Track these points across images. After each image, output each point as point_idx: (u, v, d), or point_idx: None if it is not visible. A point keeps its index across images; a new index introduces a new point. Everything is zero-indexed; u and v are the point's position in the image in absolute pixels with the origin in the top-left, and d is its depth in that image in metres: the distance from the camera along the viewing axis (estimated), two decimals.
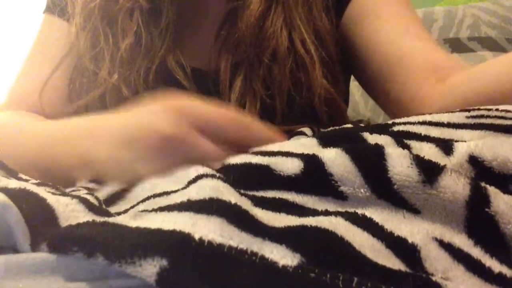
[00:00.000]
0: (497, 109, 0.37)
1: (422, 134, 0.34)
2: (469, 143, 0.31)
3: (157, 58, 0.62)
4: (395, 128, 0.35)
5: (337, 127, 0.44)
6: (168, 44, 0.62)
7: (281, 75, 0.60)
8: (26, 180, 0.36)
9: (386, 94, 0.65)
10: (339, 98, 0.63)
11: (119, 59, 0.61)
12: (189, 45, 0.66)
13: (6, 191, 0.28)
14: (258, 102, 0.60)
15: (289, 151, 0.33)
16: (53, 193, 0.30)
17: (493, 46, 1.07)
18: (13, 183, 0.30)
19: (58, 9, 0.69)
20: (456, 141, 0.32)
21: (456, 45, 1.09)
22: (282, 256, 0.23)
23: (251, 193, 0.30)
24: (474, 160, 0.30)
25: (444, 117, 0.36)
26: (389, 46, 0.62)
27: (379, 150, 0.30)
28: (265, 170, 0.32)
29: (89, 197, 0.33)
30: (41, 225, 0.27)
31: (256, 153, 0.34)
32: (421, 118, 0.36)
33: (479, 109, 0.37)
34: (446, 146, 0.31)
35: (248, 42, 0.60)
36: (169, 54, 0.62)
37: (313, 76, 0.60)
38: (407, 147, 0.32)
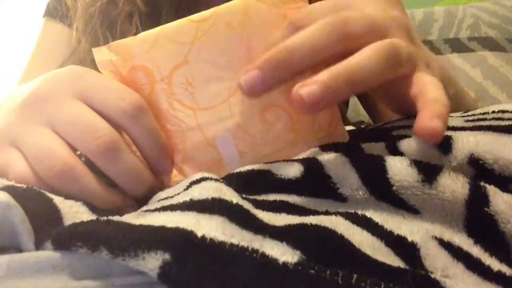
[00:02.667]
0: (493, 111, 0.37)
1: None
2: (469, 139, 0.31)
3: None
4: (394, 133, 0.35)
5: None
6: None
7: None
8: None
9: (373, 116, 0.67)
10: None
11: None
12: None
13: (12, 189, 0.28)
14: None
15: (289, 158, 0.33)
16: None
17: (493, 46, 1.07)
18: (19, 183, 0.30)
19: (58, 14, 0.70)
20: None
21: (456, 45, 1.09)
22: (283, 253, 0.23)
23: (252, 197, 0.31)
24: (474, 162, 0.30)
25: None
26: None
27: (379, 155, 0.30)
28: (266, 174, 0.32)
29: None
30: (46, 224, 0.27)
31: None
32: None
33: (473, 114, 0.37)
34: (444, 142, 0.31)
35: None
36: None
37: None
38: (400, 153, 0.32)
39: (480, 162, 0.30)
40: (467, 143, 0.30)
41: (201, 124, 0.35)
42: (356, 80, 0.30)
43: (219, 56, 0.35)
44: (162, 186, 0.35)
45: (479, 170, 0.30)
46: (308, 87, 0.29)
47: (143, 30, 0.62)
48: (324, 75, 0.30)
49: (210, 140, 0.35)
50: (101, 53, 0.37)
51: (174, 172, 0.36)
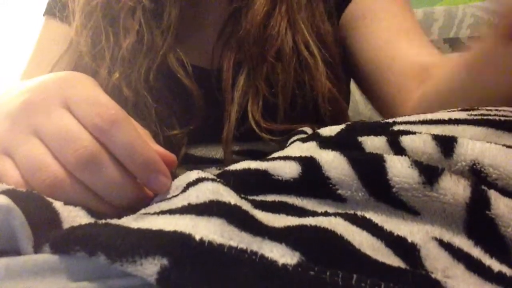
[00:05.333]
0: (496, 109, 0.37)
1: (423, 133, 0.34)
2: (474, 145, 0.30)
3: (158, 57, 0.61)
4: (395, 128, 0.35)
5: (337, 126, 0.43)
6: (169, 43, 0.62)
7: (285, 74, 0.60)
8: None
9: (379, 99, 0.66)
10: (341, 98, 0.64)
11: (120, 58, 0.61)
12: (190, 44, 0.66)
13: (12, 192, 0.28)
14: (260, 100, 0.60)
15: (287, 155, 0.33)
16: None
17: None
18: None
19: (58, 12, 0.69)
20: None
21: (456, 45, 1.09)
22: (282, 255, 0.23)
23: (251, 197, 0.31)
24: (476, 171, 0.29)
25: (445, 115, 0.36)
26: (379, 52, 0.64)
27: (378, 154, 0.30)
28: (264, 174, 0.32)
29: None
30: (45, 228, 0.27)
31: (255, 159, 0.34)
32: (421, 117, 0.36)
33: (479, 109, 0.37)
34: (447, 144, 0.31)
35: (252, 41, 0.60)
36: (170, 52, 0.62)
37: (317, 77, 0.60)
38: (402, 150, 0.31)
39: (482, 174, 0.29)
40: (471, 149, 0.29)
41: None
42: None
43: None
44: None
45: (480, 179, 0.29)
46: None
47: (146, 26, 0.62)
48: None
49: None
50: None
51: None
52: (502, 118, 0.34)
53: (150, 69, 0.61)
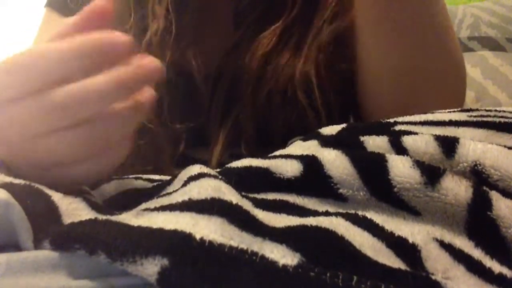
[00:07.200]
0: (496, 110, 0.37)
1: (424, 134, 0.34)
2: (476, 146, 0.30)
3: (178, 50, 0.60)
4: (397, 128, 0.35)
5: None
6: (189, 39, 0.61)
7: (274, 117, 0.57)
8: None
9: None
10: None
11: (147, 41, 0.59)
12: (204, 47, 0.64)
13: (11, 186, 0.28)
14: (250, 141, 0.58)
15: (288, 154, 0.33)
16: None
17: (493, 45, 1.07)
18: (17, 179, 0.30)
19: (58, 4, 0.69)
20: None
21: None
22: (282, 256, 0.23)
23: (252, 195, 0.31)
24: (478, 172, 0.29)
25: (446, 116, 0.36)
26: None
27: (380, 153, 0.30)
28: (265, 173, 0.32)
29: (91, 197, 0.33)
30: (45, 222, 0.27)
31: (257, 157, 0.34)
32: (422, 117, 0.36)
33: (478, 110, 0.37)
34: (449, 145, 0.31)
35: (247, 78, 0.58)
36: (189, 49, 0.60)
37: (315, 125, 0.55)
38: (404, 150, 0.31)
39: (484, 175, 0.29)
40: (473, 150, 0.30)
41: None
42: None
43: None
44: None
45: (481, 180, 0.29)
46: None
47: (174, 13, 0.60)
48: None
49: None
50: None
51: None
52: (502, 120, 0.34)
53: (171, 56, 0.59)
